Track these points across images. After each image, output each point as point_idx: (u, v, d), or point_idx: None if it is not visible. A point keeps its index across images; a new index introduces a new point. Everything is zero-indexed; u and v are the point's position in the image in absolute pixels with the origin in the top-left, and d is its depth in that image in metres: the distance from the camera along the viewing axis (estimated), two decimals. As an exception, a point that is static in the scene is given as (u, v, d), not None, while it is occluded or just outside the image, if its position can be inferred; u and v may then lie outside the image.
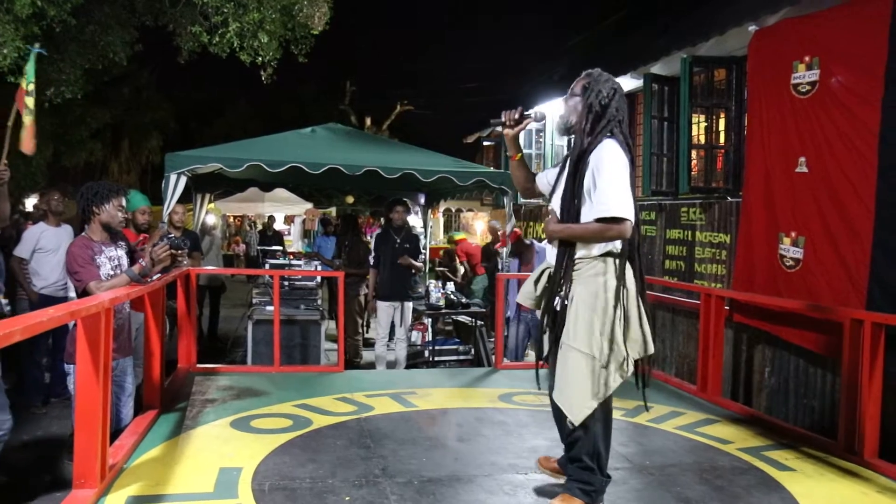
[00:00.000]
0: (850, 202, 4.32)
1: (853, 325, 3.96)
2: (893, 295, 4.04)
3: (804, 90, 4.73)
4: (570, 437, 3.08)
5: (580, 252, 3.00)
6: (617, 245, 2.99)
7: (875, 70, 4.23)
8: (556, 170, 3.28)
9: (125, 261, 4.07)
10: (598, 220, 2.89)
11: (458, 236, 12.20)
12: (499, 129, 3.24)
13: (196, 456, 3.62)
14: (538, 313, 3.29)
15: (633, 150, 3.13)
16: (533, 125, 3.54)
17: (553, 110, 9.28)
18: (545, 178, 3.36)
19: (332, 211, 17.63)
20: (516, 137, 3.29)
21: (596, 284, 2.96)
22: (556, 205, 3.14)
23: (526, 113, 3.22)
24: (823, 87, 4.60)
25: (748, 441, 4.21)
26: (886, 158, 4.13)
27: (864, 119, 4.27)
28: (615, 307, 2.92)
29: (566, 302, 2.98)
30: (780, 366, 5.21)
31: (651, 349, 3.04)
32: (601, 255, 2.98)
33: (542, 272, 3.18)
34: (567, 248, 3.02)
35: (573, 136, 3.14)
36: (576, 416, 2.92)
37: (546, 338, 3.30)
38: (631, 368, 2.98)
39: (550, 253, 3.21)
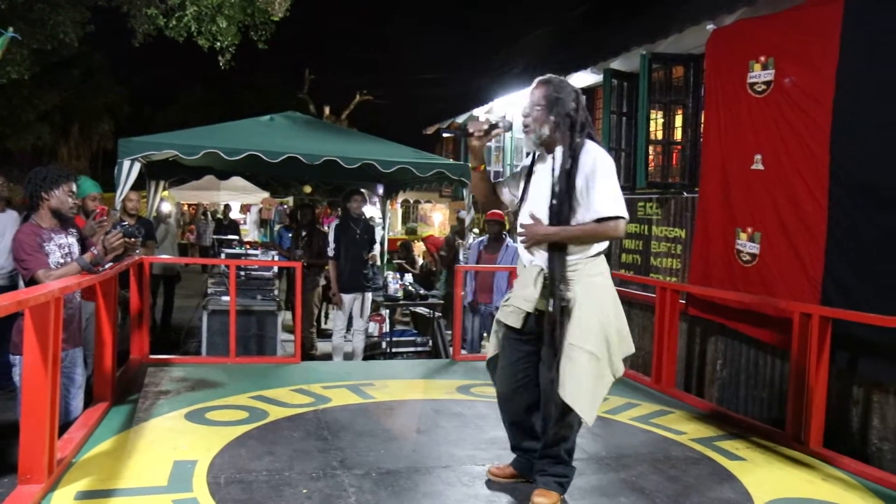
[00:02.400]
0: (804, 200, 4.43)
1: (802, 318, 4.07)
2: (846, 290, 4.16)
3: (760, 89, 4.83)
4: (554, 436, 3.07)
5: (576, 253, 3.03)
6: (605, 244, 3.09)
7: (827, 71, 4.33)
8: (520, 179, 3.28)
9: (76, 248, 3.95)
10: (598, 220, 2.95)
11: (427, 232, 12.27)
12: (447, 134, 3.18)
13: (149, 449, 3.55)
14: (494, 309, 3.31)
15: None
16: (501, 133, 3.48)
17: (514, 103, 9.31)
18: (507, 189, 3.34)
19: (290, 201, 17.43)
20: (482, 148, 3.22)
21: (595, 285, 3.02)
22: (535, 210, 3.11)
23: (493, 123, 3.17)
24: (778, 87, 4.70)
25: (701, 432, 4.30)
26: (838, 158, 4.24)
27: (816, 119, 4.38)
28: (613, 306, 3.03)
29: (567, 304, 2.98)
30: (732, 358, 5.33)
31: (633, 348, 3.13)
32: (595, 255, 3.05)
33: (537, 276, 3.09)
34: (558, 250, 3.02)
35: (541, 145, 3.13)
36: (589, 416, 2.94)
37: (508, 336, 3.26)
38: (622, 367, 3.05)
39: (528, 255, 3.17)
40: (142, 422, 3.97)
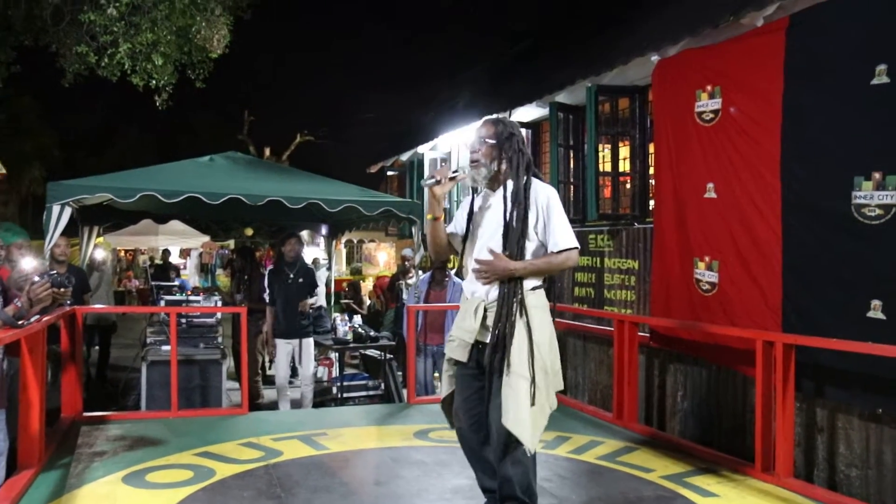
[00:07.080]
0: (758, 226, 4.42)
1: (765, 346, 4.02)
2: (807, 315, 4.13)
3: (708, 118, 4.84)
4: (501, 476, 2.95)
5: (527, 284, 3.05)
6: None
7: (773, 98, 4.36)
8: (463, 216, 3.25)
9: (-2, 301, 3.64)
10: (560, 252, 3.04)
11: (374, 273, 12.12)
12: (430, 182, 3.13)
13: (82, 519, 3.25)
14: (450, 347, 3.17)
15: None
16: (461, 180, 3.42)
17: (457, 139, 9.26)
18: (455, 229, 3.30)
19: (231, 244, 17.01)
20: (444, 196, 3.20)
21: (534, 317, 3.02)
22: (489, 245, 3.07)
23: (454, 170, 3.21)
24: (726, 116, 4.71)
25: (669, 468, 4.19)
26: (788, 184, 4.24)
27: (765, 146, 4.39)
28: (549, 340, 3.03)
29: (511, 332, 2.97)
30: (692, 389, 5.27)
31: (562, 384, 3.14)
32: (536, 287, 3.08)
33: (477, 307, 3.07)
34: (510, 282, 3.03)
35: (489, 180, 3.14)
36: (532, 443, 2.90)
37: (459, 373, 3.19)
38: (556, 401, 3.05)
39: (472, 287, 3.14)
40: (73, 489, 3.65)
